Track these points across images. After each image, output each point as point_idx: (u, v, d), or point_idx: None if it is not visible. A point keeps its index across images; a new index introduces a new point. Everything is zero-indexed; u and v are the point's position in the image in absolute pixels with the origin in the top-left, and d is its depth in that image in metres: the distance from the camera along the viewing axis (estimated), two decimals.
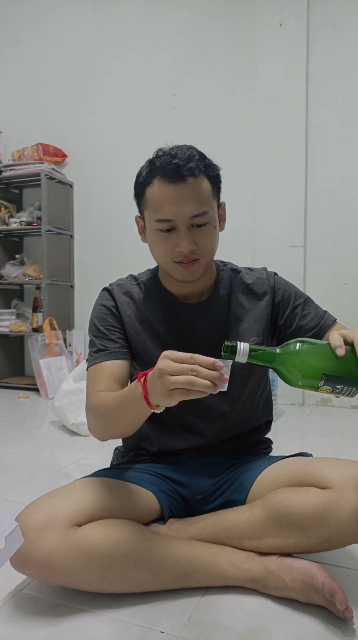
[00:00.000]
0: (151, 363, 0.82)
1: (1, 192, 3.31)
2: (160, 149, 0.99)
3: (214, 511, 1.04)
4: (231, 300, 1.09)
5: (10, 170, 3.17)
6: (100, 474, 1.07)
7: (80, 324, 3.30)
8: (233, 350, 0.78)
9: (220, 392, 0.74)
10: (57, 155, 3.24)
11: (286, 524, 0.92)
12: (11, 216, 3.27)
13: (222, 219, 1.05)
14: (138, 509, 1.00)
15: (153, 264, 1.12)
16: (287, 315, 1.08)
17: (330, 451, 1.88)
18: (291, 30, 2.71)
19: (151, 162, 0.97)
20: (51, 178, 3.10)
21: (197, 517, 1.04)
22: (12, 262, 3.30)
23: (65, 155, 3.29)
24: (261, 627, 0.86)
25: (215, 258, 1.09)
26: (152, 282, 1.11)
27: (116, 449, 1.24)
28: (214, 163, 1.00)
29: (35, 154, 3.15)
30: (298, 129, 2.72)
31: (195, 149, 0.99)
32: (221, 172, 1.02)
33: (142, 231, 1.05)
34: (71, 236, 3.31)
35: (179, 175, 0.92)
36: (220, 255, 1.09)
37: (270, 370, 0.90)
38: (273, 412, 1.24)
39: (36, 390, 2.99)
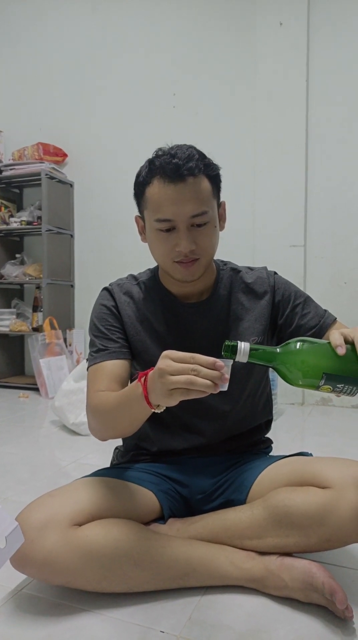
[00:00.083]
0: (151, 363, 0.82)
1: (1, 192, 3.31)
2: (160, 149, 0.99)
3: (214, 511, 1.04)
4: (231, 300, 1.09)
5: (11, 169, 3.17)
6: (100, 473, 1.07)
7: (80, 324, 3.30)
8: (233, 350, 0.78)
9: (220, 391, 0.74)
10: (58, 155, 3.24)
11: (287, 523, 0.92)
12: (11, 216, 3.27)
13: (222, 218, 1.05)
14: (138, 509, 1.00)
15: (153, 264, 1.12)
16: (287, 314, 1.08)
17: (330, 451, 1.88)
18: (291, 30, 2.70)
19: (150, 162, 0.97)
20: (51, 177, 3.10)
21: (197, 517, 1.04)
22: (12, 261, 3.30)
23: (65, 155, 3.29)
24: (262, 627, 0.86)
25: (215, 257, 1.09)
26: (152, 282, 1.11)
27: (116, 448, 1.24)
28: (214, 162, 1.00)
29: (36, 154, 3.15)
30: (298, 128, 2.72)
31: (195, 148, 0.99)
32: (221, 172, 1.01)
33: (142, 231, 1.05)
34: (71, 236, 3.31)
35: (179, 174, 0.92)
36: (220, 254, 1.09)
37: (270, 369, 0.90)
38: (273, 412, 1.23)
39: (36, 389, 2.99)
